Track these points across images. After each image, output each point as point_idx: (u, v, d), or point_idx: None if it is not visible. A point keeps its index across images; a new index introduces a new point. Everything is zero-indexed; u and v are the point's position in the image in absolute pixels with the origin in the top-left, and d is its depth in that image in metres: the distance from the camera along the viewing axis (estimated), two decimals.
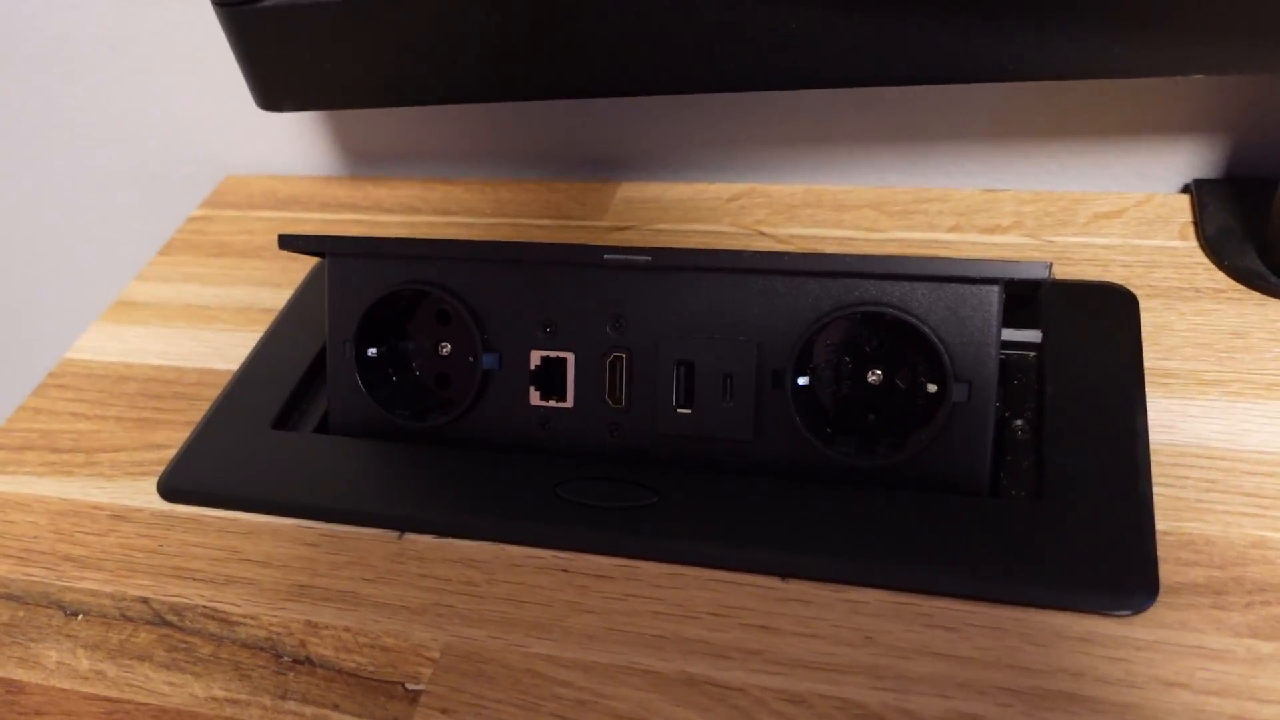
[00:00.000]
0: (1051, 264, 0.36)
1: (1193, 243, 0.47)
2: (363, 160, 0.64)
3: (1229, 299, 0.44)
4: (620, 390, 0.41)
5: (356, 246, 0.44)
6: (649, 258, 0.40)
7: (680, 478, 0.40)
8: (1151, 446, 0.38)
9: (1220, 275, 0.46)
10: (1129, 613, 0.34)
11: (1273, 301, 0.44)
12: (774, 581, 0.36)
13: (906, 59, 0.41)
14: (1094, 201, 0.50)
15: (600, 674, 0.35)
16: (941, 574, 0.35)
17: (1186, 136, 0.51)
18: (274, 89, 0.47)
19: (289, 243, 0.44)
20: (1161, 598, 0.34)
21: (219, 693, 0.36)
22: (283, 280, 0.55)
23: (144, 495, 0.44)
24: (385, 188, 0.61)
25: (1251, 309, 0.44)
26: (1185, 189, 0.52)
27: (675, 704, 0.33)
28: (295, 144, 0.64)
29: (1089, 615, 0.34)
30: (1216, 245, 0.46)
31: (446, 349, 0.44)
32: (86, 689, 0.37)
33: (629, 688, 0.34)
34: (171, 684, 0.37)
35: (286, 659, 0.37)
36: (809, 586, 0.36)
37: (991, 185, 0.55)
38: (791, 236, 0.52)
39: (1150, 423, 0.39)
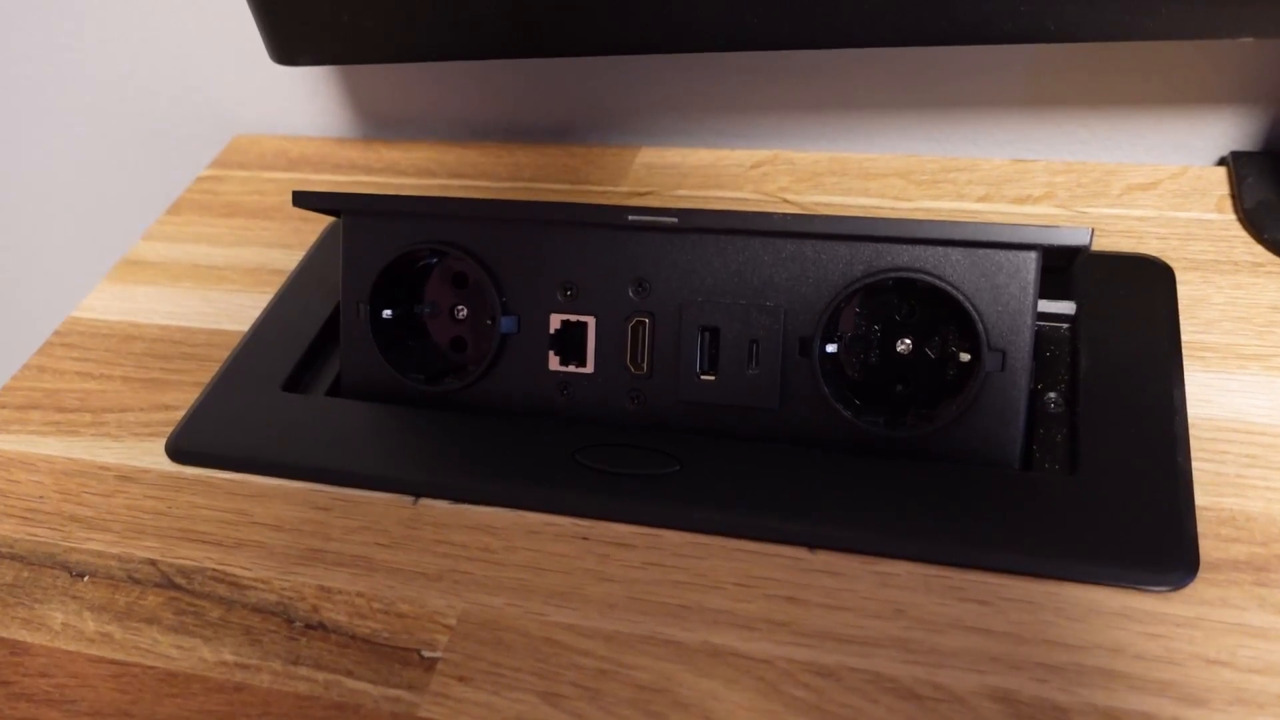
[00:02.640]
0: (1093, 230, 0.35)
1: (1230, 216, 0.46)
2: (377, 122, 0.63)
3: (1268, 273, 0.43)
4: (642, 356, 0.40)
5: (373, 204, 0.43)
6: (675, 219, 0.39)
7: (703, 446, 0.39)
8: (1189, 421, 0.37)
9: (1259, 249, 0.44)
10: (1168, 588, 0.33)
11: None
12: (801, 552, 0.35)
13: (942, 17, 0.39)
14: (1128, 173, 0.49)
15: (621, 643, 0.34)
16: (973, 546, 0.34)
17: (1224, 107, 0.50)
18: (289, 41, 0.46)
19: (304, 200, 0.43)
20: (1201, 574, 0.33)
21: (229, 657, 0.35)
22: (294, 242, 0.54)
23: (151, 456, 0.43)
24: (399, 150, 0.60)
25: None
26: (1222, 161, 0.51)
27: (699, 675, 0.33)
28: (308, 104, 0.62)
29: (1126, 590, 0.33)
30: (1255, 218, 0.45)
31: (463, 312, 0.43)
32: (92, 651, 0.36)
33: (651, 658, 0.33)
34: (180, 647, 0.36)
35: (298, 624, 0.36)
36: (837, 558, 0.35)
37: (1022, 155, 0.53)
38: (816, 205, 0.50)
39: (1188, 397, 0.38)
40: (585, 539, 0.37)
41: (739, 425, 0.39)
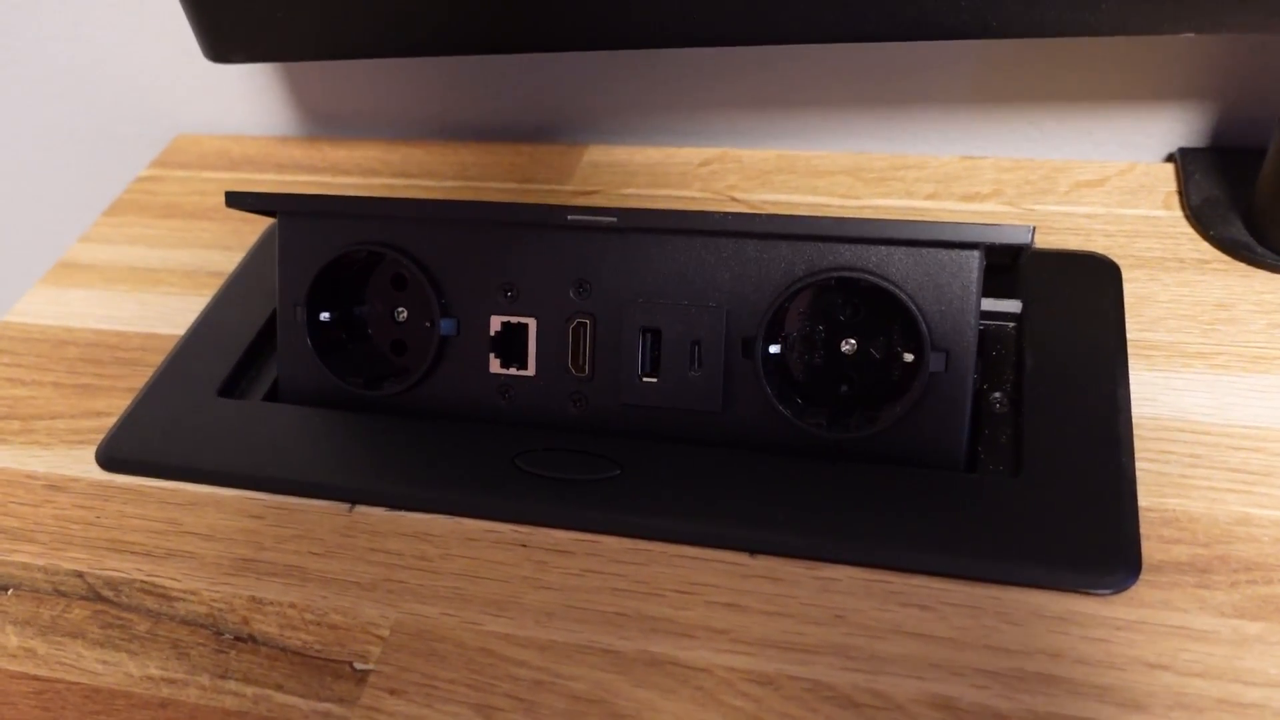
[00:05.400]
0: (1034, 228, 0.34)
1: (1177, 212, 0.46)
2: (321, 120, 0.61)
3: (1214, 270, 0.43)
4: (584, 358, 0.39)
5: (309, 205, 0.42)
6: (614, 218, 0.38)
7: (645, 449, 0.38)
8: (1134, 420, 0.37)
9: (1205, 245, 0.44)
10: (1110, 591, 0.32)
11: (1259, 272, 0.43)
12: (741, 558, 0.35)
13: (885, 13, 0.39)
14: (1076, 169, 0.49)
15: (558, 653, 0.33)
16: (916, 550, 0.34)
17: (1172, 104, 0.49)
18: (223, 38, 0.45)
19: (237, 200, 0.42)
20: (1144, 576, 0.33)
21: (155, 672, 0.34)
22: (234, 243, 0.52)
23: (82, 465, 0.42)
24: (343, 149, 0.58)
25: (1237, 280, 0.42)
26: (1170, 158, 0.50)
27: (636, 685, 0.32)
28: (250, 102, 0.61)
29: (1068, 594, 0.33)
30: (1202, 215, 0.45)
31: (403, 314, 0.42)
32: (14, 667, 0.35)
33: (587, 667, 0.32)
34: (105, 662, 0.35)
35: (227, 636, 0.35)
36: (778, 563, 0.35)
37: (971, 152, 0.53)
38: (764, 203, 0.50)
39: (1133, 396, 0.38)
40: (524, 546, 0.36)
41: (682, 428, 0.39)
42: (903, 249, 0.36)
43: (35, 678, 0.35)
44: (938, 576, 0.33)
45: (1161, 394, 0.38)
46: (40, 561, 0.38)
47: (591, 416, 0.39)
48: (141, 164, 0.62)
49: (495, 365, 0.40)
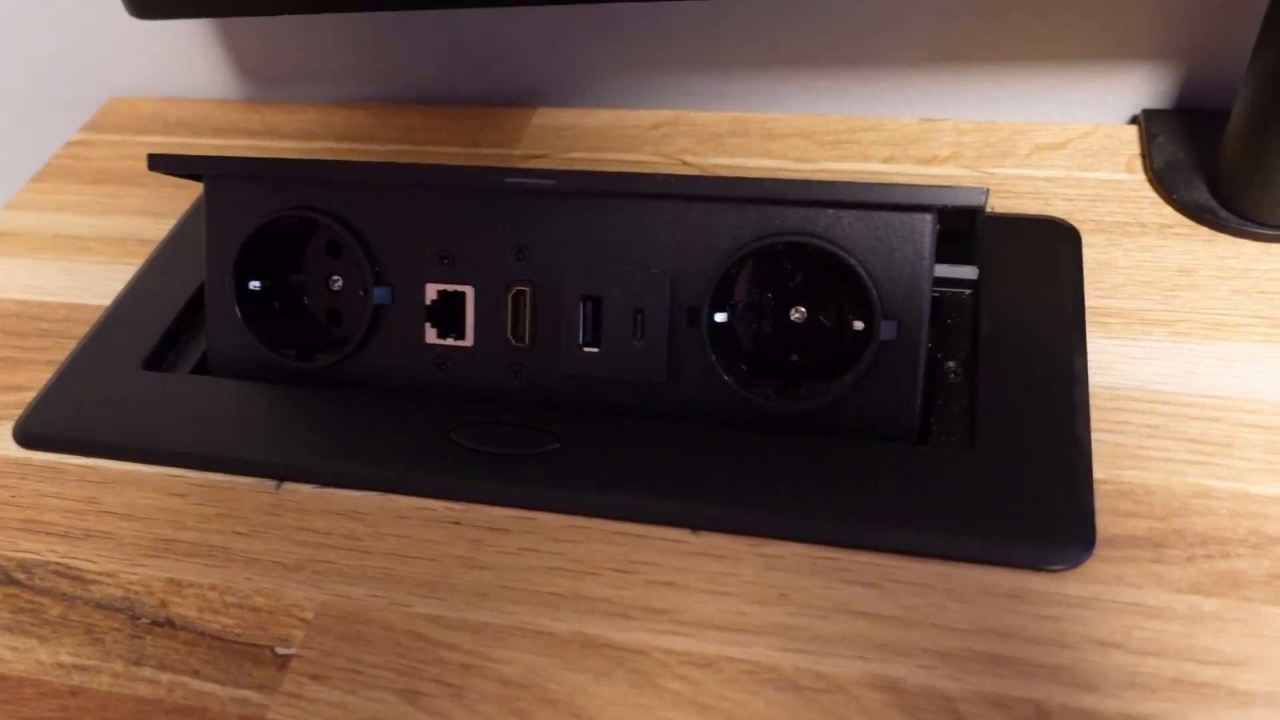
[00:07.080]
0: (988, 190, 0.33)
1: (1140, 176, 0.45)
2: (261, 82, 0.59)
3: (1176, 234, 0.42)
4: (524, 328, 0.38)
5: (236, 168, 0.40)
6: (553, 182, 0.37)
7: (586, 422, 0.37)
8: (1091, 390, 0.36)
9: (1168, 210, 0.43)
10: (1063, 567, 0.31)
11: (1222, 237, 0.41)
12: (683, 534, 0.33)
13: None
14: (1037, 132, 0.47)
15: (489, 636, 0.32)
16: (863, 526, 0.33)
17: (1136, 65, 0.48)
18: None
19: (160, 163, 0.40)
20: (1097, 551, 0.31)
21: (66, 658, 0.33)
22: (166, 210, 0.50)
23: None
24: (284, 112, 0.56)
25: (1200, 245, 0.41)
26: (1134, 120, 0.49)
27: (569, 668, 0.30)
28: (187, 63, 0.59)
29: (1020, 570, 0.31)
30: (1165, 178, 0.44)
31: (338, 282, 0.41)
32: None
33: (520, 650, 0.31)
34: (14, 649, 0.33)
35: (144, 621, 0.33)
36: (721, 540, 0.33)
37: (930, 114, 0.51)
38: (716, 166, 0.48)
39: (1090, 365, 0.37)
40: (458, 524, 0.35)
41: (625, 400, 0.37)
42: (852, 212, 0.34)
43: None
44: (886, 553, 0.32)
45: (1120, 363, 0.37)
46: None
47: (532, 388, 0.38)
48: (73, 128, 0.60)
49: (432, 335, 0.39)
